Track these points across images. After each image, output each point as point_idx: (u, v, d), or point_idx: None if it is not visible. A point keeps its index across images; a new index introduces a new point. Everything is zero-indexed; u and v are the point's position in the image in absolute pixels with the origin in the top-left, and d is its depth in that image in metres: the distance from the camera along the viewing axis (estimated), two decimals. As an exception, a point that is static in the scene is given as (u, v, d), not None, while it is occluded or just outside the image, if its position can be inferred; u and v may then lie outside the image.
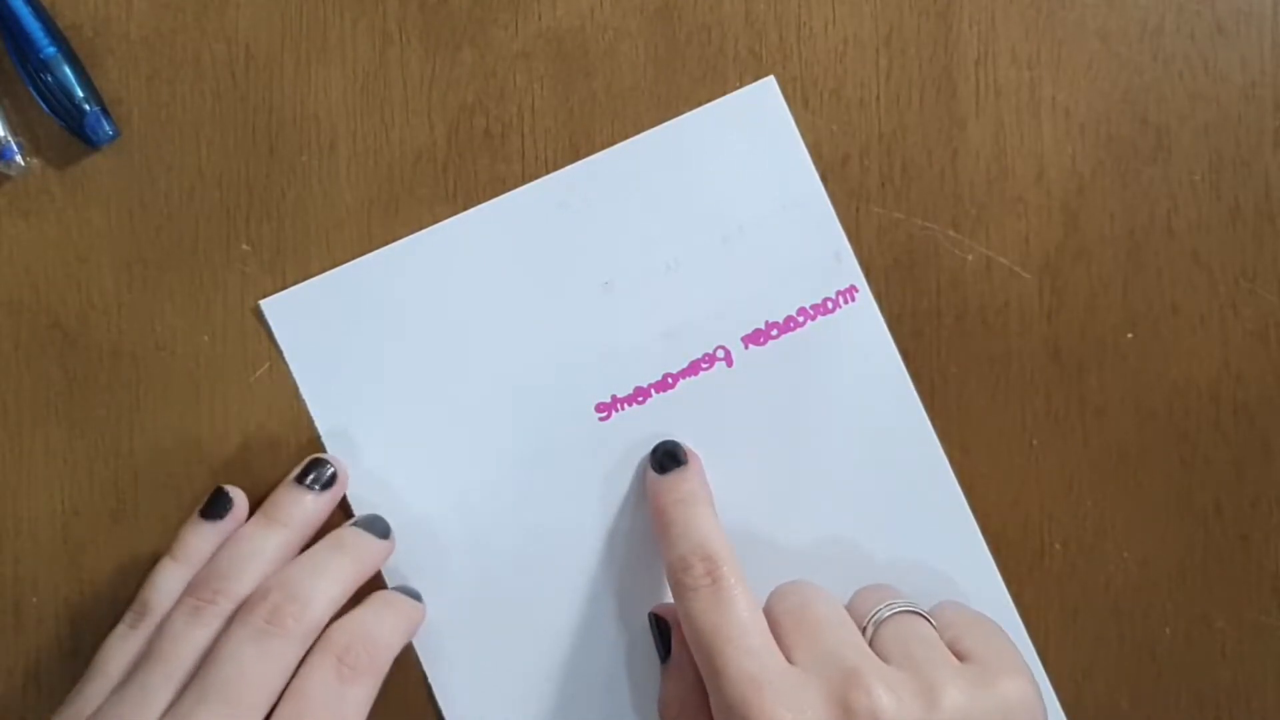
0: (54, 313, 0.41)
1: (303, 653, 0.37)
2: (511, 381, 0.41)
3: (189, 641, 0.37)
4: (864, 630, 0.37)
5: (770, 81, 0.41)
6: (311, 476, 0.40)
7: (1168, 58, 0.41)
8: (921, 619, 0.37)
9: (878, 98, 0.41)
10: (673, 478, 0.40)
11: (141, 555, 0.41)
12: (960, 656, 0.36)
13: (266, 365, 0.41)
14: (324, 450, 0.41)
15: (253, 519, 0.40)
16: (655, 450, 0.40)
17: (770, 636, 0.36)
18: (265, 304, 0.41)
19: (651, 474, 0.40)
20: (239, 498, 0.40)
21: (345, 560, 0.39)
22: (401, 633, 0.39)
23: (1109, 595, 0.41)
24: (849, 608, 0.38)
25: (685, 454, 0.40)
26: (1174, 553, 0.41)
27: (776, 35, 0.41)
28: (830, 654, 0.35)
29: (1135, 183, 0.41)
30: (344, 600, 0.39)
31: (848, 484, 0.41)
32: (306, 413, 0.41)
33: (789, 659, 0.36)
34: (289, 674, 0.37)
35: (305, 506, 0.40)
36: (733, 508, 0.41)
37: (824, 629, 0.36)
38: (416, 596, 0.40)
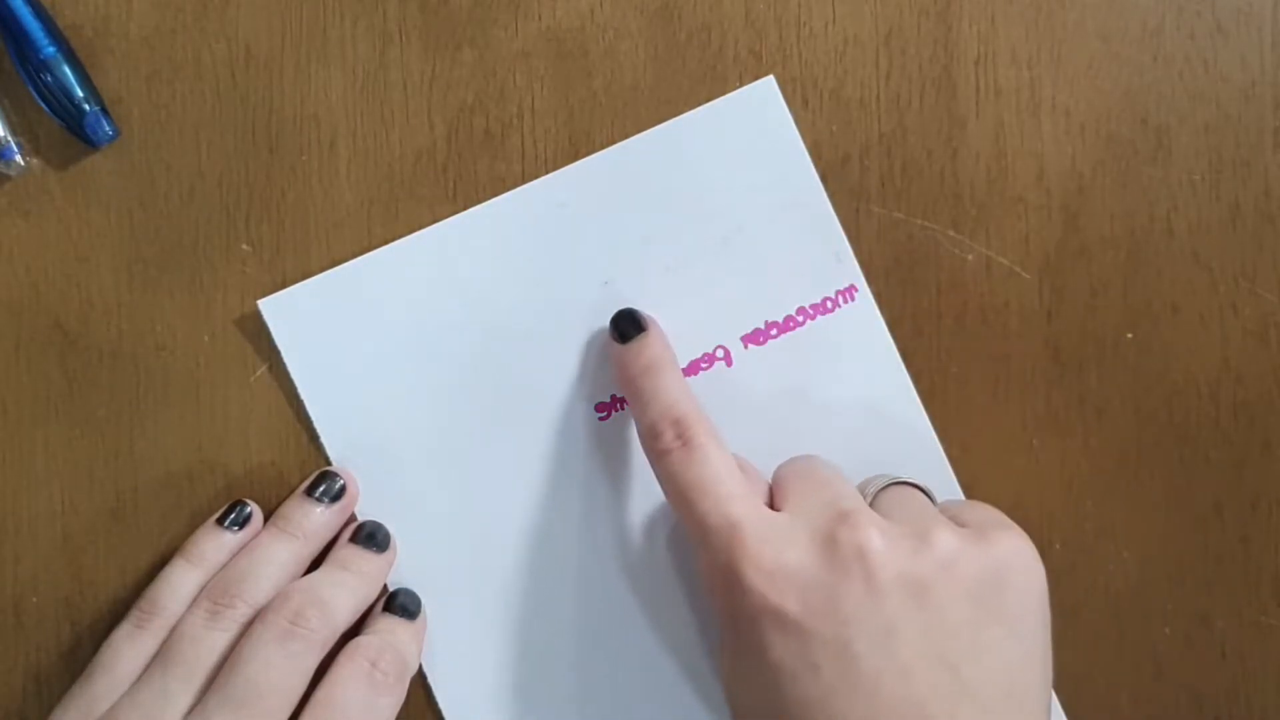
0: (54, 313, 0.41)
1: (319, 659, 0.37)
2: (511, 381, 0.41)
3: (208, 645, 0.37)
4: (864, 496, 0.37)
5: (770, 81, 0.41)
6: (321, 489, 0.40)
7: (1168, 58, 0.41)
8: (922, 493, 0.37)
9: (878, 98, 0.41)
10: (635, 346, 0.39)
11: (141, 555, 0.41)
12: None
13: (266, 365, 0.41)
14: (323, 450, 0.41)
15: (265, 529, 0.40)
16: (615, 318, 0.40)
17: (748, 485, 0.36)
18: (264, 304, 0.41)
19: (614, 344, 0.40)
20: (257, 511, 0.40)
21: (357, 581, 0.39)
22: (419, 645, 0.40)
23: (1109, 595, 0.41)
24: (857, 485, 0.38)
25: (645, 320, 0.40)
26: (1174, 553, 0.41)
27: (776, 35, 0.41)
28: (824, 502, 0.35)
29: (1135, 183, 0.41)
30: (360, 613, 0.39)
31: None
32: (306, 413, 0.41)
33: (780, 510, 0.35)
34: (308, 679, 0.37)
35: (315, 519, 0.40)
36: (733, 508, 0.41)
37: (823, 484, 0.36)
38: (419, 601, 0.40)
